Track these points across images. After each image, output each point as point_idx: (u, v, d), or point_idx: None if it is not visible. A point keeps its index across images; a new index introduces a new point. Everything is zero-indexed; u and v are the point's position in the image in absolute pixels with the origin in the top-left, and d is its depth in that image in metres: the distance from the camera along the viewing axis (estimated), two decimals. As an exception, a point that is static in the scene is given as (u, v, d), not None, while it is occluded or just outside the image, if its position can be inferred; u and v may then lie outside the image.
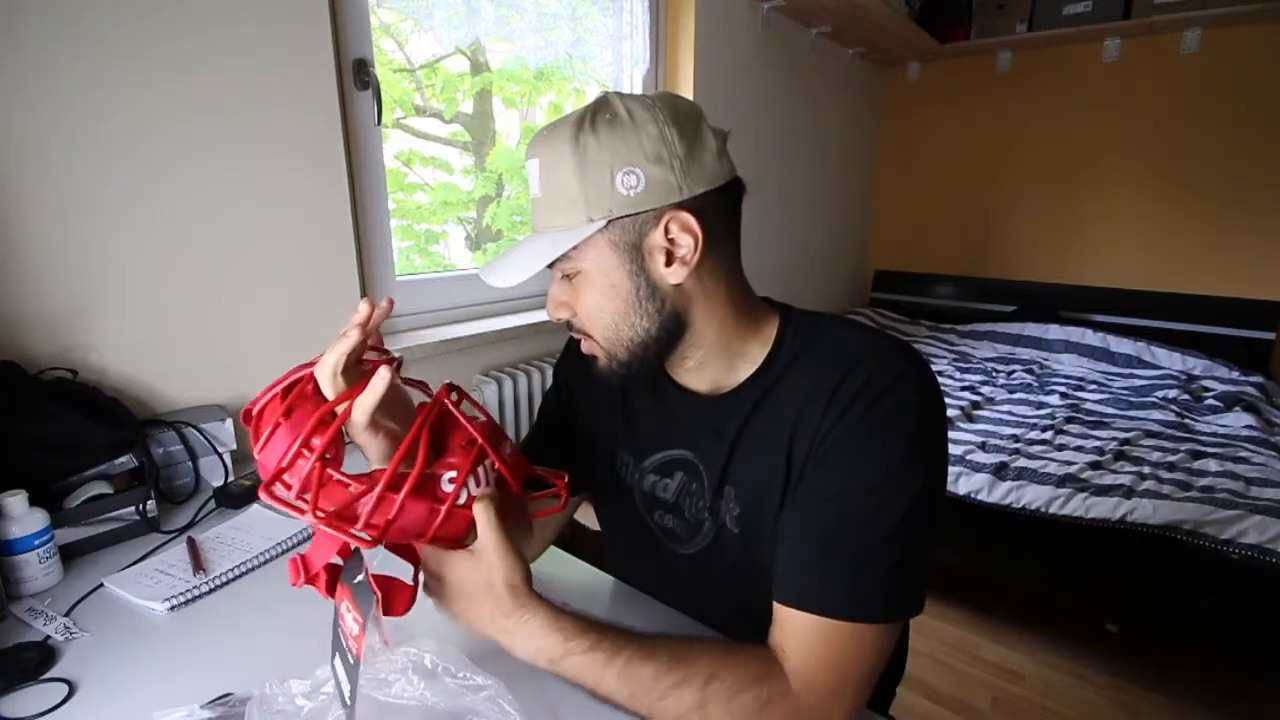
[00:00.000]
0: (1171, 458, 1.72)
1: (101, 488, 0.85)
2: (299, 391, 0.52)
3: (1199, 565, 1.37)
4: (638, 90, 2.00)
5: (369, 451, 0.56)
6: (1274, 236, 2.50)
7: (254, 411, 0.52)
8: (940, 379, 2.42)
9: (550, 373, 1.64)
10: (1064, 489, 1.55)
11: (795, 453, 0.58)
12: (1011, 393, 2.28)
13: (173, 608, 0.69)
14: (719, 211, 0.59)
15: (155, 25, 0.99)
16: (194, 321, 1.10)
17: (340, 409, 0.51)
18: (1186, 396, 2.18)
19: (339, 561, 0.52)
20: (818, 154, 2.83)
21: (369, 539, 0.47)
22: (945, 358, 2.70)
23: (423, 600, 0.56)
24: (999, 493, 1.59)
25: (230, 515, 0.91)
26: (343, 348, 0.52)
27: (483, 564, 0.53)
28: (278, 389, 0.52)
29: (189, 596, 0.71)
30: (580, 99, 1.96)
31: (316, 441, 0.47)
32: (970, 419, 2.05)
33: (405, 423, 0.56)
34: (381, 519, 0.47)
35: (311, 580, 0.52)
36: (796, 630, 0.54)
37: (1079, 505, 1.50)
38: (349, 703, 0.45)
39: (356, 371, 0.55)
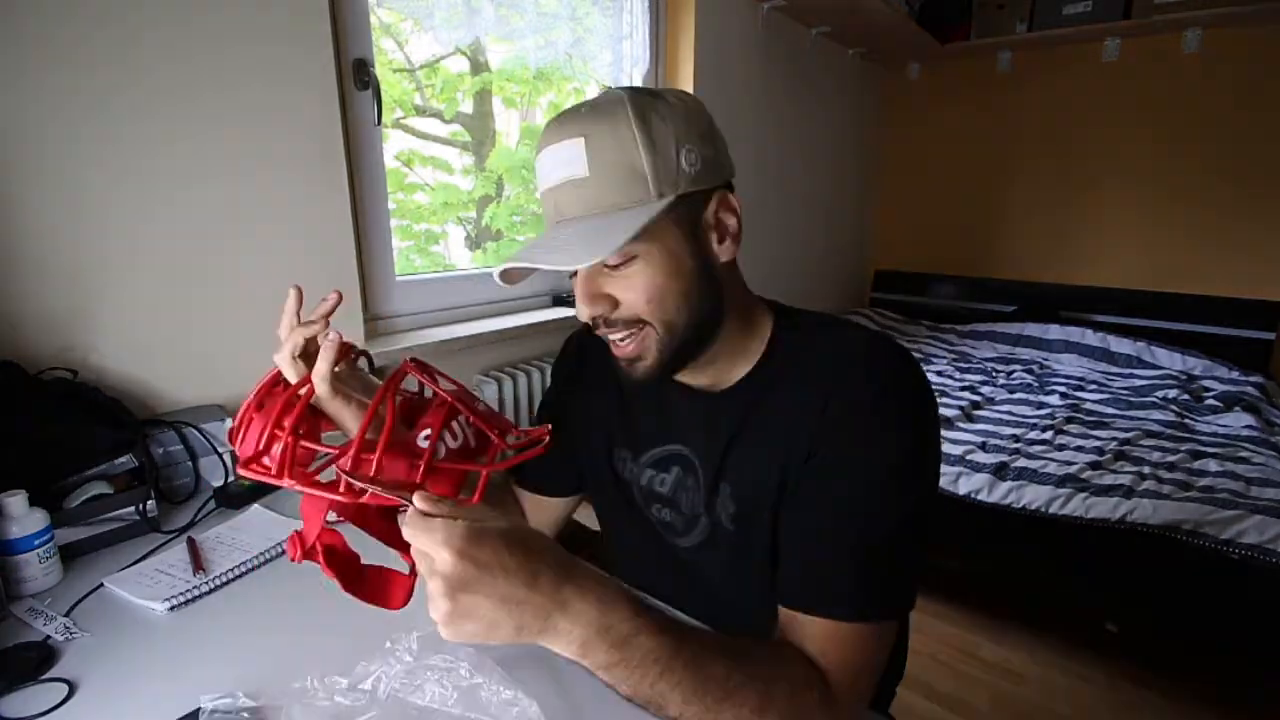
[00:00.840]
0: (1171, 458, 1.72)
1: (101, 488, 0.84)
2: (268, 391, 0.56)
3: (1199, 565, 1.37)
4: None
5: (348, 429, 0.59)
6: (1274, 236, 2.50)
7: (234, 426, 0.55)
8: (940, 379, 2.41)
9: (550, 372, 1.64)
10: (1064, 489, 1.55)
11: (793, 454, 0.58)
12: (1011, 393, 2.28)
13: (173, 608, 0.69)
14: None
15: (155, 26, 0.99)
16: (194, 321, 1.09)
17: (303, 391, 0.55)
18: (1186, 396, 2.18)
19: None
20: (818, 154, 2.83)
21: (346, 500, 0.48)
22: (945, 358, 2.69)
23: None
24: (999, 493, 1.59)
25: (230, 515, 0.91)
26: (297, 337, 0.57)
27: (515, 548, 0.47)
28: (251, 400, 0.56)
29: (189, 596, 0.71)
30: (580, 99, 1.96)
31: (286, 424, 0.51)
32: (970, 419, 2.05)
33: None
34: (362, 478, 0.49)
35: (309, 554, 0.52)
36: (818, 635, 0.54)
37: (1079, 505, 1.50)
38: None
39: (351, 376, 0.58)
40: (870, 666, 0.55)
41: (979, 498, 1.61)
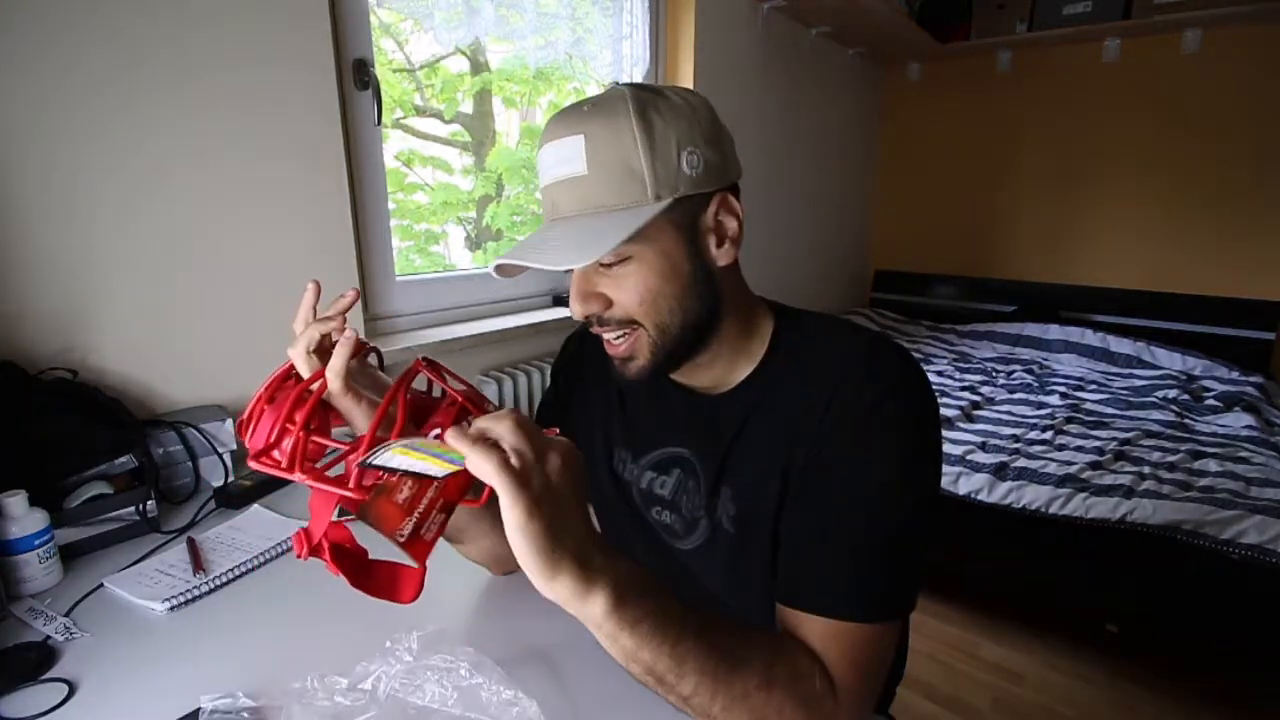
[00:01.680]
0: (1171, 458, 1.72)
1: (101, 488, 0.84)
2: (279, 385, 0.56)
3: (1199, 565, 1.37)
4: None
5: (357, 426, 0.58)
6: (1274, 237, 2.50)
7: (245, 418, 0.55)
8: (940, 379, 2.41)
9: (550, 372, 1.64)
10: (1064, 489, 1.55)
11: (794, 456, 0.58)
12: (1011, 393, 2.28)
13: (173, 608, 0.69)
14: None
15: (155, 26, 0.99)
16: (194, 322, 1.09)
17: (316, 385, 0.54)
18: (1186, 397, 2.18)
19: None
20: (817, 154, 2.84)
21: (356, 496, 0.47)
22: (945, 358, 2.69)
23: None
24: (999, 493, 1.59)
25: (230, 515, 0.91)
26: (313, 332, 0.56)
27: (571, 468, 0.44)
28: (262, 392, 0.55)
29: (189, 596, 0.71)
30: (580, 99, 1.96)
31: (298, 417, 0.51)
32: (970, 419, 2.05)
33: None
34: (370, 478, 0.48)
35: (315, 551, 0.52)
36: (822, 635, 0.53)
37: (1079, 505, 1.50)
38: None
39: (361, 373, 0.57)
40: (871, 667, 0.54)
41: (979, 498, 1.61)
